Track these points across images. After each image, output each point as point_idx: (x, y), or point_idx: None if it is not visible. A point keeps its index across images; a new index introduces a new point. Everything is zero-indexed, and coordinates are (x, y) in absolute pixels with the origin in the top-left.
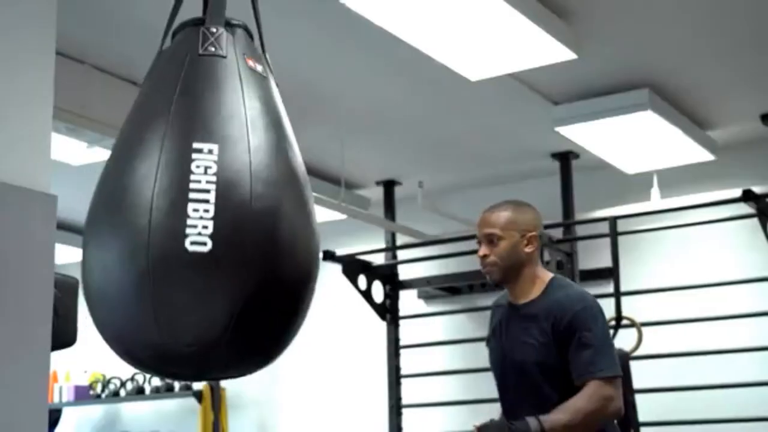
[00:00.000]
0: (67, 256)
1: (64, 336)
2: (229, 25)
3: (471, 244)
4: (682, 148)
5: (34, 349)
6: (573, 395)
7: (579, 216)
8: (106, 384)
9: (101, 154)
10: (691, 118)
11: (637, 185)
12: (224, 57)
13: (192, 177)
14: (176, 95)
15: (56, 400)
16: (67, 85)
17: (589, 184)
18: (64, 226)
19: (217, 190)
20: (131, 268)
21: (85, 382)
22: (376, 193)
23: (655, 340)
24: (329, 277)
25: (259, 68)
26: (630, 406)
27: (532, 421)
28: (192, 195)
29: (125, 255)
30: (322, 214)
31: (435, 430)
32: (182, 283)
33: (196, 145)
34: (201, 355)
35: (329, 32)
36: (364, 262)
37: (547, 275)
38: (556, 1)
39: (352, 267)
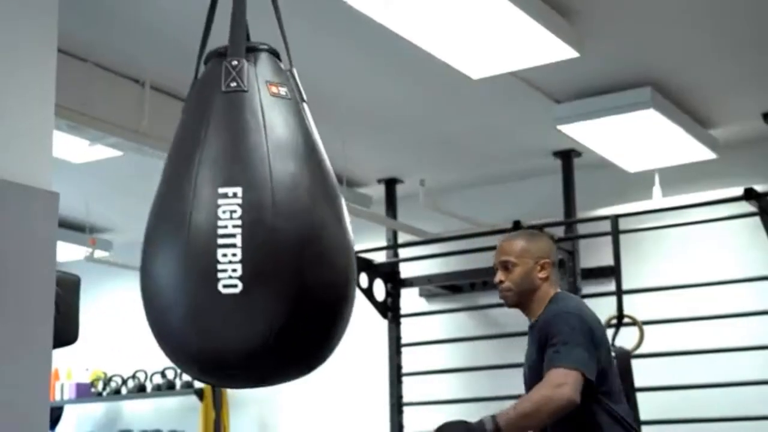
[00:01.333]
0: (69, 253)
1: (65, 334)
2: (252, 51)
3: (472, 243)
4: (683, 147)
5: (35, 346)
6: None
7: (580, 214)
8: (107, 382)
9: (102, 152)
10: (693, 117)
11: (638, 184)
12: (246, 91)
13: (219, 222)
14: (204, 136)
15: (58, 397)
16: (68, 83)
17: (591, 183)
18: (66, 224)
19: (242, 234)
20: (178, 295)
21: (87, 380)
22: (378, 191)
23: (656, 339)
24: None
25: (284, 91)
26: (631, 405)
27: (486, 419)
28: (220, 240)
29: (172, 282)
30: None
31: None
32: (220, 316)
33: (221, 190)
34: (241, 369)
35: (331, 30)
36: (366, 260)
37: (553, 293)
38: None
39: None
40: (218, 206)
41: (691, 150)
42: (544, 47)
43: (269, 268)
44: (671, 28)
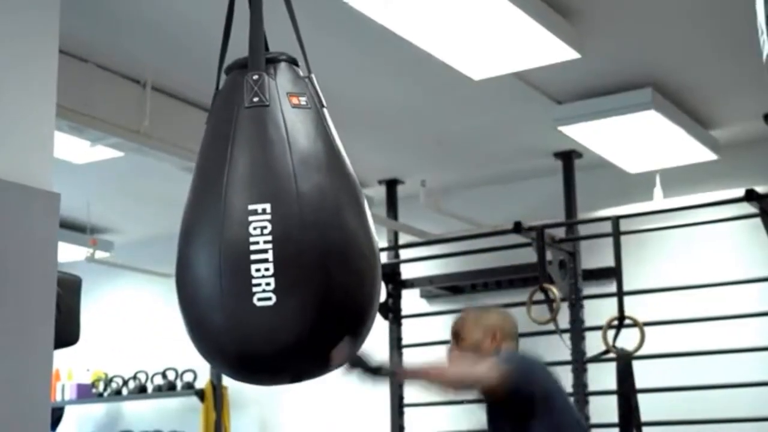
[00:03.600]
0: (70, 254)
1: (66, 334)
2: (271, 62)
3: (474, 244)
4: (685, 148)
5: (36, 347)
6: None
7: (581, 215)
8: (108, 382)
9: (103, 153)
10: (694, 118)
11: (639, 184)
12: (267, 105)
13: (251, 239)
14: (230, 152)
15: (58, 398)
16: (69, 84)
17: (592, 184)
18: (67, 225)
19: (273, 249)
20: (215, 308)
21: (88, 381)
22: (379, 192)
23: (657, 340)
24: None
25: (304, 101)
26: (632, 407)
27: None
28: (253, 257)
29: (208, 295)
30: None
31: (437, 429)
32: (256, 326)
33: (251, 207)
34: (275, 369)
35: (332, 31)
36: None
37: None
38: (559, 0)
39: None
40: (249, 223)
41: (692, 151)
42: (545, 48)
43: (300, 280)
44: (672, 29)
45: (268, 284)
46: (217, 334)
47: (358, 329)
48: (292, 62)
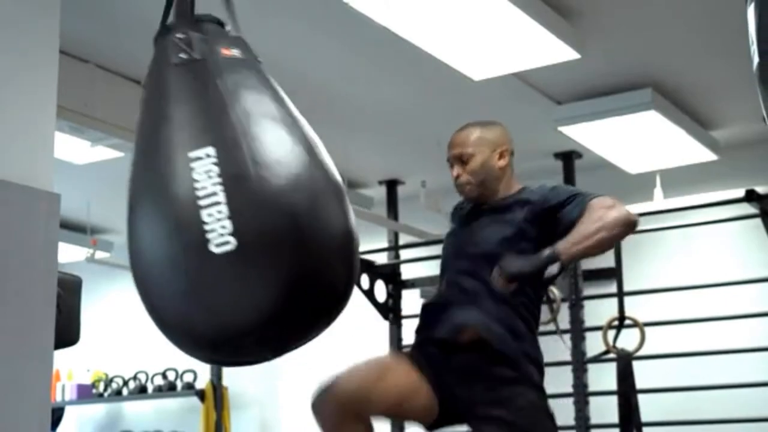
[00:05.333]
0: (70, 254)
1: (67, 335)
2: (197, 23)
3: None
4: (685, 148)
5: (36, 347)
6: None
7: None
8: (108, 383)
9: (104, 153)
10: (694, 118)
11: (640, 185)
12: (198, 59)
13: (196, 185)
14: (165, 109)
15: (59, 398)
16: (70, 84)
17: (592, 184)
18: (68, 225)
19: (225, 191)
20: (172, 269)
21: (88, 381)
22: (379, 193)
23: (657, 340)
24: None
25: (236, 52)
26: (633, 407)
27: (547, 250)
28: (201, 201)
29: (162, 257)
30: None
31: None
32: (221, 284)
33: (192, 154)
34: (254, 340)
35: (332, 32)
36: (367, 262)
37: (519, 186)
38: (559, 0)
39: None
40: (192, 170)
41: (692, 151)
42: (545, 49)
43: (263, 218)
44: (672, 30)
45: (224, 227)
46: (181, 303)
47: (343, 278)
48: (219, 23)
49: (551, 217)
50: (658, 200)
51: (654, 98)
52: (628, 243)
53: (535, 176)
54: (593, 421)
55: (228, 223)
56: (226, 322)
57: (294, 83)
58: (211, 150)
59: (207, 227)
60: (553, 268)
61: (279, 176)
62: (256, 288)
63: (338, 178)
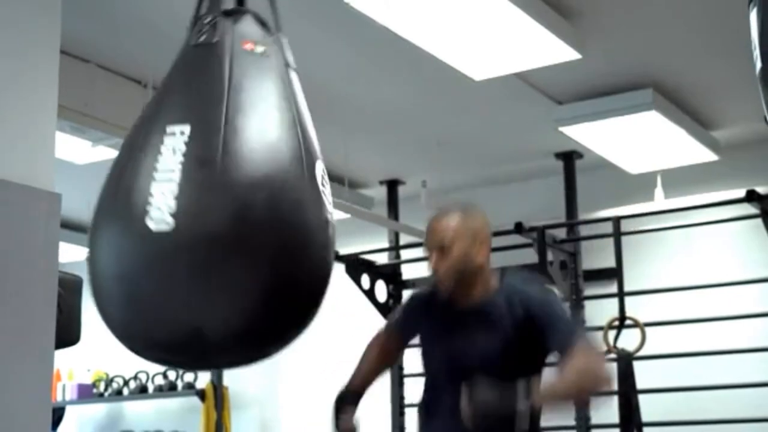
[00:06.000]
0: (71, 254)
1: (67, 334)
2: (231, 13)
3: None
4: (685, 148)
5: (37, 347)
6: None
7: (582, 216)
8: (109, 383)
9: (105, 153)
10: (694, 118)
11: (640, 185)
12: (214, 43)
13: (160, 158)
14: (166, 84)
15: (59, 398)
16: (71, 84)
17: (593, 184)
18: (68, 225)
19: (183, 170)
20: (109, 246)
21: (88, 381)
22: (380, 193)
23: (658, 341)
24: (332, 276)
25: (260, 49)
26: (633, 407)
27: (521, 384)
28: (157, 175)
29: (106, 231)
30: None
31: None
32: (144, 254)
33: (169, 129)
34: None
35: (333, 31)
36: (368, 262)
37: (496, 274)
38: (560, 1)
39: (356, 266)
40: (162, 143)
41: (692, 151)
42: (545, 49)
43: (209, 206)
44: (673, 30)
45: (167, 205)
46: (104, 280)
47: (282, 265)
48: (259, 20)
49: (537, 331)
50: (659, 200)
51: (655, 98)
52: (629, 243)
53: (536, 176)
54: (594, 420)
55: (173, 203)
56: (144, 299)
57: None
58: (186, 128)
59: (151, 200)
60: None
61: (244, 170)
62: (179, 273)
63: (323, 193)
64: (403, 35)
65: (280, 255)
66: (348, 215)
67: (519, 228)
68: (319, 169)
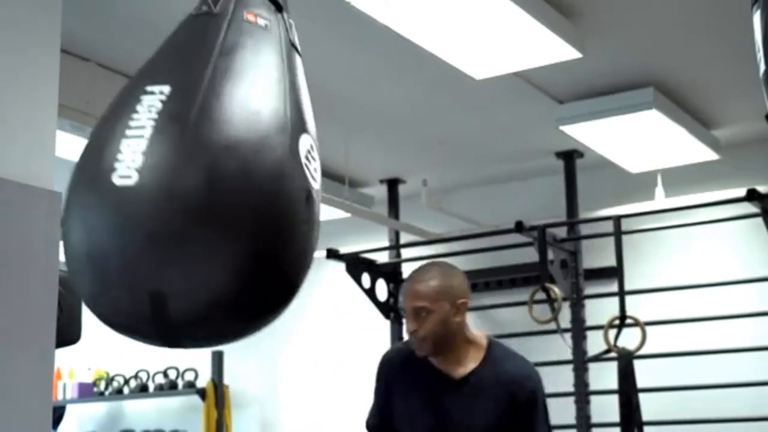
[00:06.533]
0: None
1: (68, 333)
2: None
3: (475, 243)
4: (686, 147)
5: (37, 346)
6: None
7: (583, 215)
8: (109, 381)
9: None
10: (695, 117)
11: (641, 184)
12: (214, 14)
13: (134, 116)
14: (156, 51)
15: (60, 397)
16: (71, 83)
17: (593, 183)
18: None
19: (155, 126)
20: (77, 208)
21: (89, 380)
22: (380, 191)
23: (658, 340)
24: (333, 275)
25: (263, 22)
26: (634, 406)
27: None
28: (129, 132)
29: (76, 193)
30: (325, 212)
31: None
32: (108, 209)
33: (148, 88)
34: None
35: (334, 30)
36: (368, 260)
37: (481, 339)
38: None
39: (356, 265)
40: (139, 101)
41: (693, 151)
42: (546, 48)
43: (174, 164)
44: (674, 29)
45: (133, 161)
46: (73, 244)
47: (252, 227)
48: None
49: (526, 414)
50: (660, 199)
51: (655, 97)
52: (630, 242)
53: (537, 175)
54: (594, 420)
55: (140, 158)
56: (106, 242)
57: None
58: (166, 88)
59: (119, 156)
60: None
61: (218, 132)
62: (141, 229)
63: (307, 166)
64: (404, 34)
65: (250, 221)
66: (348, 214)
67: (519, 227)
68: (305, 142)
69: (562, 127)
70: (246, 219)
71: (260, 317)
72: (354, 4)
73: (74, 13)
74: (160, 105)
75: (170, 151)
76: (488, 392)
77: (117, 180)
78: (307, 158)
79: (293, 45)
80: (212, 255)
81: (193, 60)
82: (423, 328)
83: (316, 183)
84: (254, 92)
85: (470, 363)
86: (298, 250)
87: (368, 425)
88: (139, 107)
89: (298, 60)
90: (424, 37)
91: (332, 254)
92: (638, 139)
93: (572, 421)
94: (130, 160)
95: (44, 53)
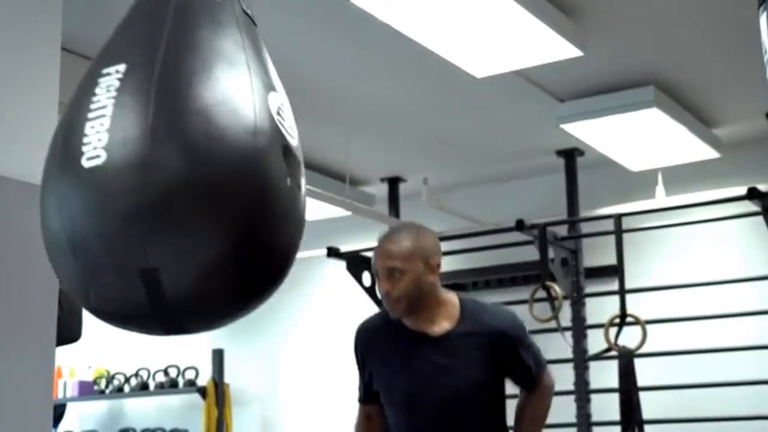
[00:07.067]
0: None
1: (68, 332)
2: None
3: (476, 241)
4: (687, 146)
5: (38, 344)
6: (498, 421)
7: (583, 213)
8: (110, 380)
9: None
10: (696, 116)
11: (641, 182)
12: None
13: (93, 98)
14: (109, 37)
15: (60, 395)
16: (72, 81)
17: (594, 182)
18: None
19: (116, 104)
20: (52, 200)
21: (90, 378)
22: (381, 190)
23: (659, 338)
24: (333, 274)
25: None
26: (634, 404)
27: None
28: (90, 115)
29: (45, 181)
30: (326, 211)
31: None
32: (81, 193)
33: (104, 70)
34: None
35: (334, 29)
36: (369, 259)
37: (454, 298)
38: None
39: (357, 263)
40: (97, 84)
41: (694, 149)
42: (547, 46)
43: (137, 137)
44: (674, 27)
45: (99, 140)
46: (51, 234)
47: (227, 189)
48: None
49: (511, 356)
50: (660, 198)
51: (656, 96)
52: (630, 241)
53: (538, 174)
54: (594, 418)
55: (105, 136)
56: (85, 226)
57: (295, 81)
58: (122, 66)
59: (85, 140)
60: None
61: (180, 100)
62: (114, 206)
63: (280, 122)
64: (405, 32)
65: (228, 182)
66: (349, 212)
67: (520, 225)
68: (275, 99)
69: (562, 126)
70: (224, 180)
71: (256, 284)
72: (354, 2)
73: (75, 11)
74: (117, 83)
75: (134, 124)
76: (468, 347)
77: (86, 162)
78: (279, 114)
79: (247, 14)
80: (195, 222)
81: (146, 36)
82: (396, 288)
83: (293, 139)
84: (213, 59)
85: (445, 322)
86: (282, 206)
87: (359, 400)
88: (98, 90)
89: (254, 29)
90: (424, 36)
91: (333, 252)
92: (639, 138)
93: (573, 419)
94: (96, 141)
95: (45, 52)
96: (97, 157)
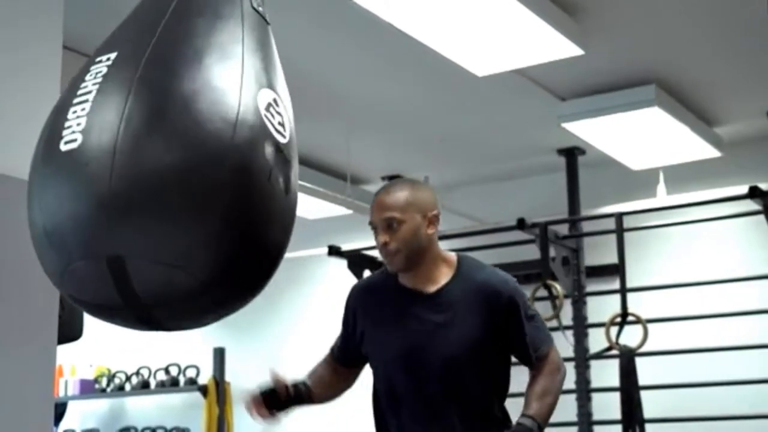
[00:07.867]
0: None
1: (69, 330)
2: None
3: (477, 240)
4: (688, 145)
5: (39, 343)
6: (495, 390)
7: (585, 212)
8: (111, 378)
9: None
10: (697, 115)
11: (643, 181)
12: None
13: (81, 84)
14: (112, 32)
15: (61, 394)
16: None
17: (595, 181)
18: None
19: (99, 89)
20: (34, 186)
21: (91, 376)
22: None
23: (660, 337)
24: (334, 272)
25: None
26: (635, 403)
27: (525, 420)
28: (75, 100)
29: (31, 170)
30: (327, 210)
31: None
32: (61, 190)
33: (97, 59)
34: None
35: (335, 27)
36: (370, 257)
37: (452, 255)
38: None
39: (358, 262)
40: (88, 71)
41: (695, 148)
42: (548, 45)
43: (113, 123)
44: (676, 26)
45: (78, 124)
46: (29, 207)
47: (207, 180)
48: None
49: (510, 318)
50: (661, 197)
51: (657, 95)
52: (631, 239)
53: (539, 172)
54: (596, 417)
55: (84, 120)
56: (57, 223)
57: (297, 79)
58: (113, 55)
59: (66, 124)
60: None
61: (163, 88)
62: (88, 189)
63: (267, 118)
64: (406, 31)
65: (190, 168)
66: (350, 211)
67: (521, 224)
68: (265, 96)
69: (563, 125)
70: (196, 170)
71: (229, 281)
72: (356, 1)
73: (76, 10)
74: (105, 69)
75: (111, 109)
76: (463, 304)
77: (63, 146)
78: (268, 110)
79: (256, 10)
80: (164, 211)
81: (143, 27)
82: (395, 239)
83: (282, 137)
84: (205, 50)
85: (442, 279)
86: (262, 203)
87: (331, 348)
88: (87, 77)
89: (262, 24)
90: (426, 35)
91: (334, 251)
92: (640, 137)
93: (574, 418)
94: (75, 125)
95: (47, 50)
96: (74, 141)
